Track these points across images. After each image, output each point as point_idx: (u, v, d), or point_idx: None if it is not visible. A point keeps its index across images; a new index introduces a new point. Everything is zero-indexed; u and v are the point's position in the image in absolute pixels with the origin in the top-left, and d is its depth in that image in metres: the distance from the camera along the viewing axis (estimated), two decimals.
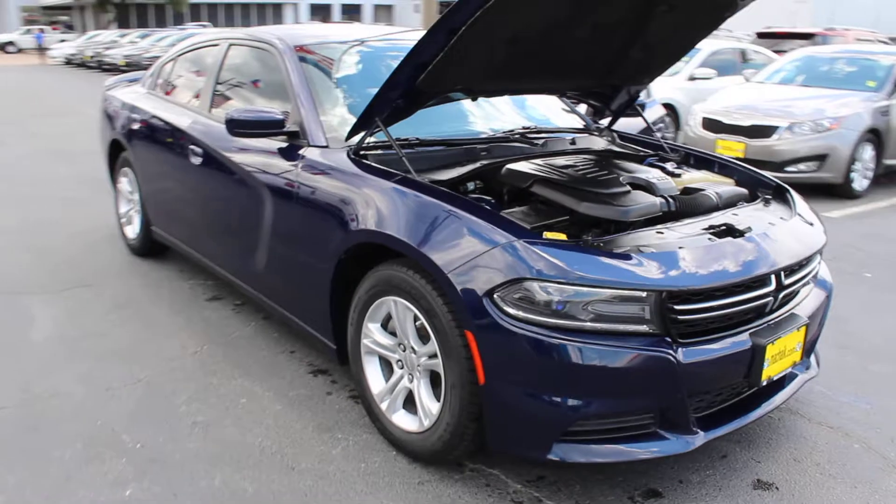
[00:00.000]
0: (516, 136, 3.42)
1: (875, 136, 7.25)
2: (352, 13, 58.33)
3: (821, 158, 6.91)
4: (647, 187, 2.88)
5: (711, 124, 7.49)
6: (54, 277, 4.62)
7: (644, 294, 2.25)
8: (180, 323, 3.96)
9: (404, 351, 2.69)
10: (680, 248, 2.43)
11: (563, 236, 2.44)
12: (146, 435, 2.86)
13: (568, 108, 4.16)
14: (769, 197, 3.12)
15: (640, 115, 3.89)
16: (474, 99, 3.18)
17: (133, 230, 5.01)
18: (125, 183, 5.05)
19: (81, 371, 3.39)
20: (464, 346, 2.36)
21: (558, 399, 2.26)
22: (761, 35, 14.32)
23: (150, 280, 4.61)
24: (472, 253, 2.33)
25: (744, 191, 3.11)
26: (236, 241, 3.67)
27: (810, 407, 3.16)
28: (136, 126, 4.67)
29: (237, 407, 3.08)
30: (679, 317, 2.30)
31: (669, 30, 3.16)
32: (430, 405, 2.59)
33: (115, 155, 5.14)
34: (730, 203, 2.97)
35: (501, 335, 2.26)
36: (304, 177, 3.06)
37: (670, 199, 2.83)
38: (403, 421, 2.71)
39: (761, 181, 3.31)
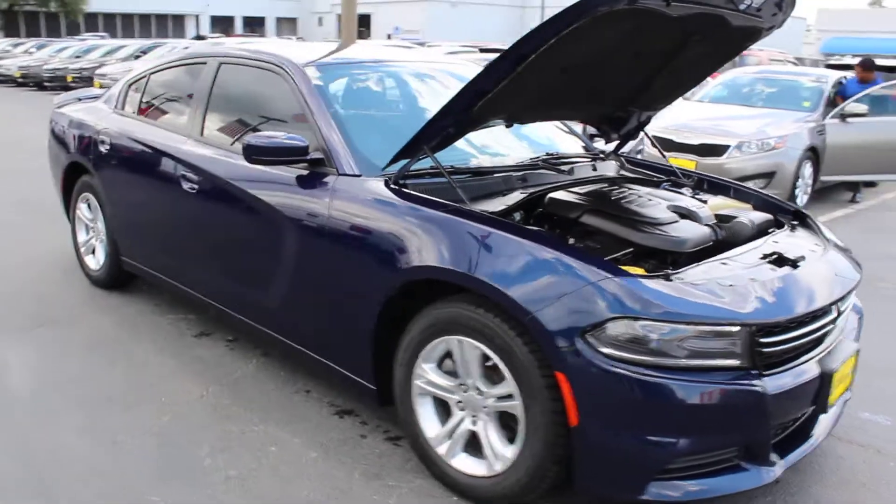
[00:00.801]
0: (541, 162, 3.36)
1: (813, 153, 7.63)
2: (254, 26, 57.18)
3: (769, 176, 7.20)
4: (690, 216, 2.87)
5: (662, 143, 7.64)
6: (12, 313, 4.21)
7: (737, 328, 2.22)
8: (172, 363, 3.67)
9: (466, 392, 2.56)
10: (751, 279, 2.43)
11: (640, 270, 2.39)
12: (178, 494, 2.61)
13: (567, 130, 4.14)
14: (795, 223, 3.18)
15: (647, 137, 3.91)
16: (509, 126, 3.10)
17: (96, 260, 4.64)
18: (85, 209, 4.68)
19: (79, 422, 3.08)
20: (548, 388, 2.26)
21: (655, 438, 2.20)
22: None
23: (124, 315, 4.27)
24: (560, 290, 2.23)
25: (771, 217, 3.15)
26: (241, 276, 3.42)
27: (837, 425, 3.21)
28: (103, 148, 4.32)
29: (268, 456, 2.86)
30: (763, 349, 2.29)
31: (695, 58, 3.18)
32: (501, 448, 2.46)
33: (72, 179, 4.77)
34: (762, 230, 3.00)
35: (597, 375, 2.17)
36: (337, 208, 2.88)
37: (716, 228, 2.83)
38: (466, 465, 2.58)
39: (779, 206, 3.37)
